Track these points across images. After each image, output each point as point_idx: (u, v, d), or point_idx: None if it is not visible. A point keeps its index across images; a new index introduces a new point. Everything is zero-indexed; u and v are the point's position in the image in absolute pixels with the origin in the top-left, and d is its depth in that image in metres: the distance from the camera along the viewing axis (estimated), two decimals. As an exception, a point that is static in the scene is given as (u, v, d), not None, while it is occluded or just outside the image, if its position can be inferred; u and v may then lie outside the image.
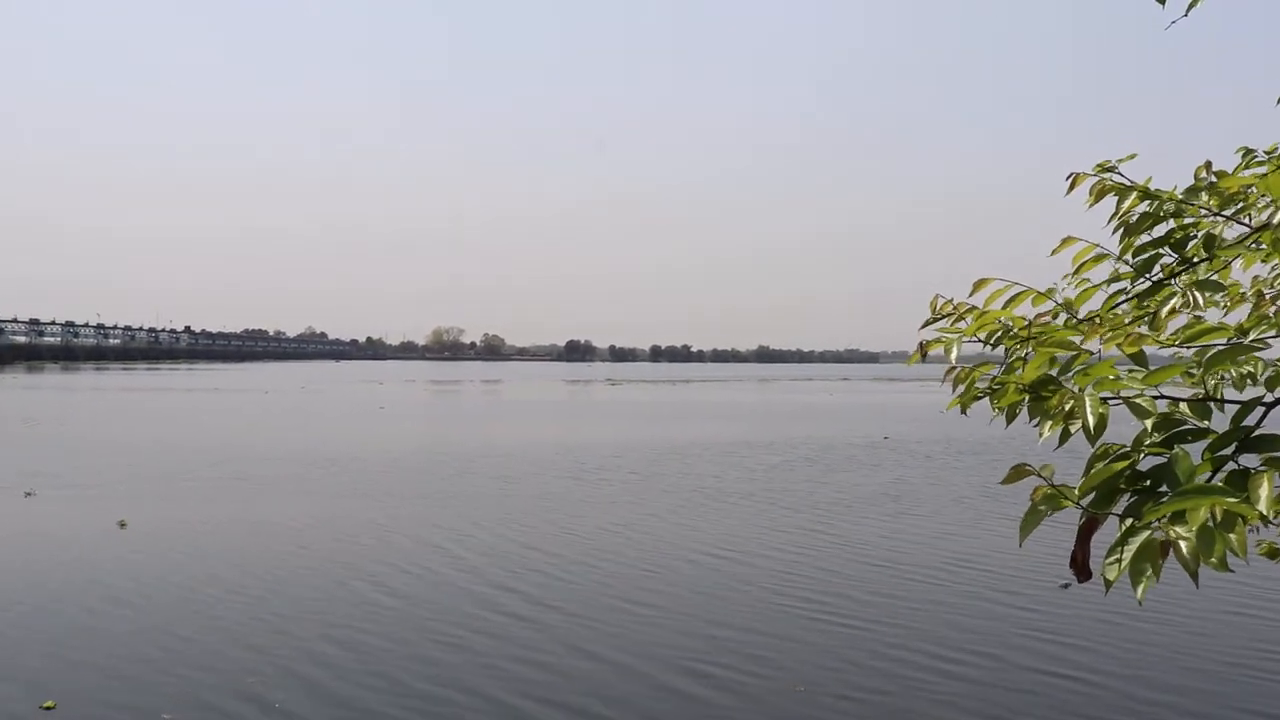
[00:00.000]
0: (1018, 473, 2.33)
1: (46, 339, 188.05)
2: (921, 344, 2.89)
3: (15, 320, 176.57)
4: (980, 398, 2.59)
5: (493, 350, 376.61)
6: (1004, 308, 2.72)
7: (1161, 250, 2.96)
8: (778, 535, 16.63)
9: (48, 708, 8.55)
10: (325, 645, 10.24)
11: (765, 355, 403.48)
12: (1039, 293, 2.79)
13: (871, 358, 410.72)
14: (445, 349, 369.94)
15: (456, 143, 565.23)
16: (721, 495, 21.22)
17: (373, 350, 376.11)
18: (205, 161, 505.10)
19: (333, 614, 11.43)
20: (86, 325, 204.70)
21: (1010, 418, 2.53)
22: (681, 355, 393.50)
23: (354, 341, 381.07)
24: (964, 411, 2.68)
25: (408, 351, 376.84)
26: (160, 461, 26.36)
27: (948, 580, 13.34)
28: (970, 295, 2.79)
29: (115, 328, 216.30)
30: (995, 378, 2.56)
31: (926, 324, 2.83)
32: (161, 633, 10.72)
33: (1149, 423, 2.22)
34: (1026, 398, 2.46)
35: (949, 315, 2.79)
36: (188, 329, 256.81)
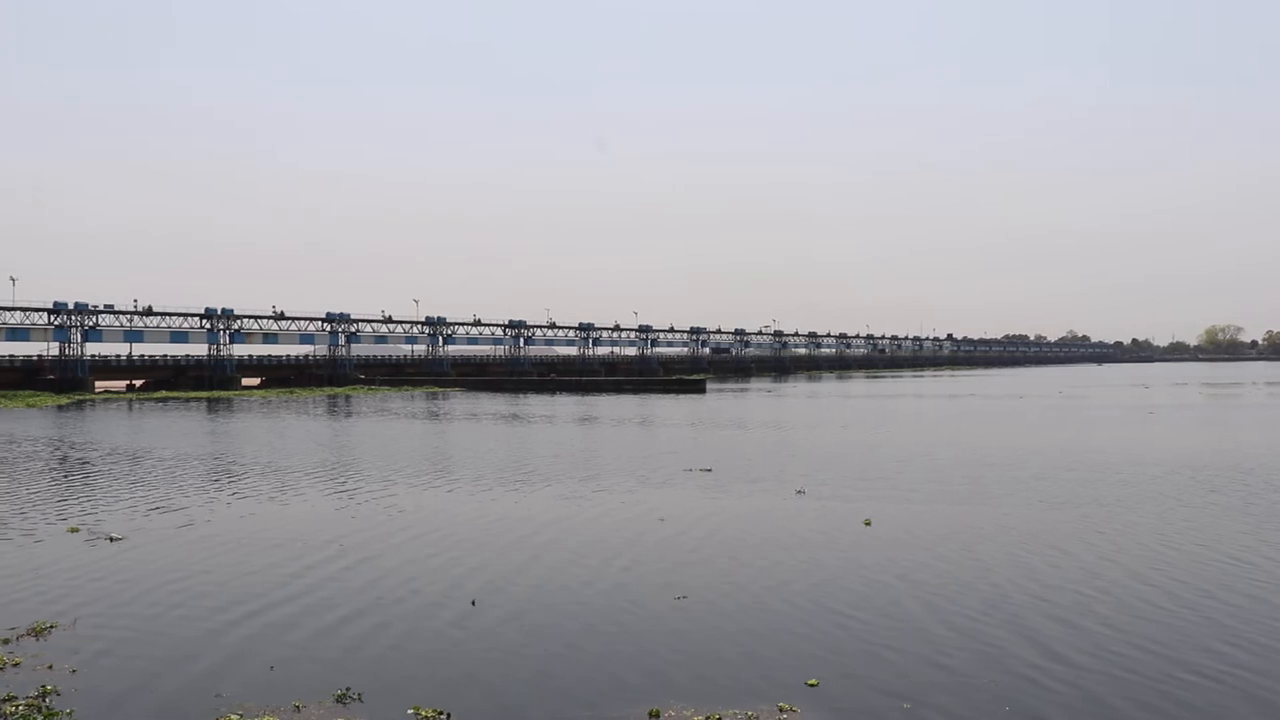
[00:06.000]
0: None
1: (823, 350, 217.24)
2: None
3: (796, 334, 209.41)
4: None
5: (1278, 349, 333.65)
6: None
7: None
8: None
9: (811, 685, 9.25)
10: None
11: None
12: None
13: None
14: (1221, 349, 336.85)
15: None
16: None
17: (1138, 352, 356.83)
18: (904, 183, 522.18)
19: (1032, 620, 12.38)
20: (858, 335, 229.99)
21: None
22: None
23: (1118, 344, 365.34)
24: None
25: (1178, 353, 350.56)
26: (905, 464, 28.76)
27: None
28: None
29: (883, 337, 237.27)
30: None
31: None
32: (900, 625, 11.63)
33: None
34: None
35: None
36: (949, 336, 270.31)
